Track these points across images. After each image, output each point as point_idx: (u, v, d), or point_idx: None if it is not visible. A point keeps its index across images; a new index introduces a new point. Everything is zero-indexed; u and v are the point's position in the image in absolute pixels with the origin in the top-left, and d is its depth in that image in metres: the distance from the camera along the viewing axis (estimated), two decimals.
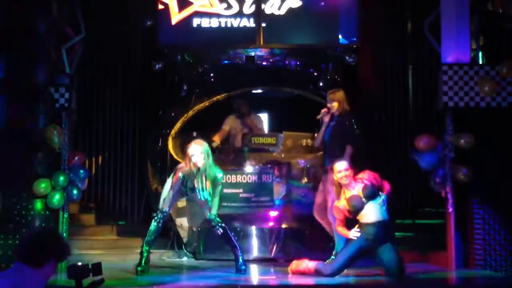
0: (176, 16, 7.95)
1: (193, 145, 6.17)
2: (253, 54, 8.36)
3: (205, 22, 7.95)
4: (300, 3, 7.90)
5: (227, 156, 8.03)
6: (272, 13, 7.89)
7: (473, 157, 6.54)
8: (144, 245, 6.29)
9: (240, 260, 6.24)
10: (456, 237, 6.60)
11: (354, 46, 7.98)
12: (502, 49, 7.01)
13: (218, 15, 7.96)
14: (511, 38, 7.11)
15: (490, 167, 6.48)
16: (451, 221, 6.62)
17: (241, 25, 7.91)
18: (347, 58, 8.13)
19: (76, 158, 6.92)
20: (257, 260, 7.14)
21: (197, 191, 6.21)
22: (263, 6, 7.88)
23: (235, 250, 6.28)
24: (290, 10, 7.88)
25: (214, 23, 7.95)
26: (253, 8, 7.90)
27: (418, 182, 8.17)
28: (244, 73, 8.60)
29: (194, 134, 8.21)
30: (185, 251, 7.65)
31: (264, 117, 9.14)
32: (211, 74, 8.84)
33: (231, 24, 7.93)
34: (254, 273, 6.53)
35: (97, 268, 3.11)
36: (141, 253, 6.28)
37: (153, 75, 8.44)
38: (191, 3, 7.99)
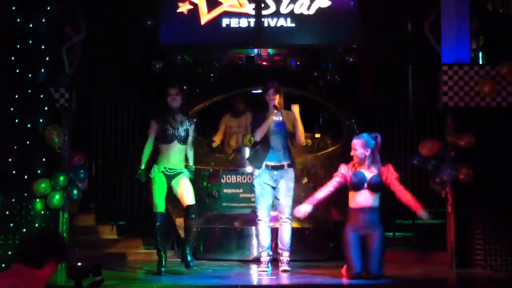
0: (205, 17, 7.95)
1: (173, 87, 6.46)
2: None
3: (234, 22, 7.96)
4: (329, 3, 7.90)
5: (227, 156, 8.04)
6: (302, 13, 7.89)
7: (473, 157, 6.54)
8: (158, 247, 6.36)
9: (189, 257, 6.29)
10: (456, 237, 6.60)
11: (354, 46, 7.98)
12: (502, 49, 7.01)
13: (247, 15, 7.95)
14: (511, 38, 7.11)
15: (490, 167, 6.48)
16: (451, 221, 6.62)
17: (278, 25, 7.91)
18: (347, 58, 8.14)
19: (76, 158, 6.92)
20: (257, 260, 7.13)
21: (171, 130, 6.32)
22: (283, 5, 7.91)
23: (189, 244, 6.32)
24: (320, 10, 7.88)
25: (243, 23, 7.95)
26: (289, 8, 7.91)
27: (418, 182, 8.16)
28: (244, 73, 8.60)
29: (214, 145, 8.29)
30: None
31: None
32: (211, 74, 8.84)
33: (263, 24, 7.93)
34: (254, 273, 6.53)
35: (96, 268, 3.10)
36: (159, 255, 6.35)
37: (153, 75, 8.44)
38: (221, 3, 7.98)
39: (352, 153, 5.97)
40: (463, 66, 6.70)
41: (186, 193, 6.35)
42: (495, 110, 6.64)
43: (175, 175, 6.37)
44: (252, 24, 7.97)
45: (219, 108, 8.58)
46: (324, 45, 8.19)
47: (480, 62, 6.99)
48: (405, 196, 5.90)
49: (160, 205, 6.34)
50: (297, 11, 7.95)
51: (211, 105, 8.48)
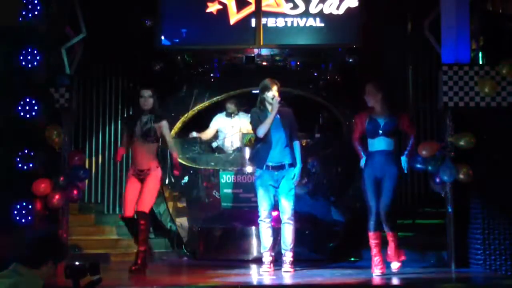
0: (234, 17, 7.88)
1: (145, 89, 6.51)
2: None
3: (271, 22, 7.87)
4: (356, 3, 7.84)
5: (227, 156, 8.04)
6: (331, 13, 7.84)
7: (473, 157, 6.53)
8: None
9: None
10: (456, 237, 6.60)
11: (354, 46, 7.97)
12: (502, 49, 7.00)
13: (284, 15, 7.87)
14: (511, 38, 7.11)
15: (490, 167, 6.47)
16: (451, 221, 6.62)
17: (307, 25, 7.88)
18: (347, 58, 8.12)
19: (76, 158, 6.93)
20: (257, 260, 7.13)
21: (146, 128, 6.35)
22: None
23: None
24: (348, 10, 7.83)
25: (280, 22, 7.89)
26: (319, 8, 7.83)
27: (418, 182, 8.16)
28: (244, 73, 8.59)
29: (194, 134, 8.23)
30: (185, 251, 7.65)
31: None
32: (211, 74, 8.83)
33: (297, 24, 7.87)
34: (254, 273, 6.53)
35: (94, 267, 3.10)
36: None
37: (153, 75, 8.44)
38: (250, 3, 7.86)
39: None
40: (463, 66, 6.69)
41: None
42: (495, 110, 6.64)
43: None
44: (288, 24, 7.88)
45: (219, 108, 8.57)
46: (327, 45, 8.14)
47: (480, 62, 6.98)
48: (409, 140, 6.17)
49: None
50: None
51: (211, 105, 8.47)
